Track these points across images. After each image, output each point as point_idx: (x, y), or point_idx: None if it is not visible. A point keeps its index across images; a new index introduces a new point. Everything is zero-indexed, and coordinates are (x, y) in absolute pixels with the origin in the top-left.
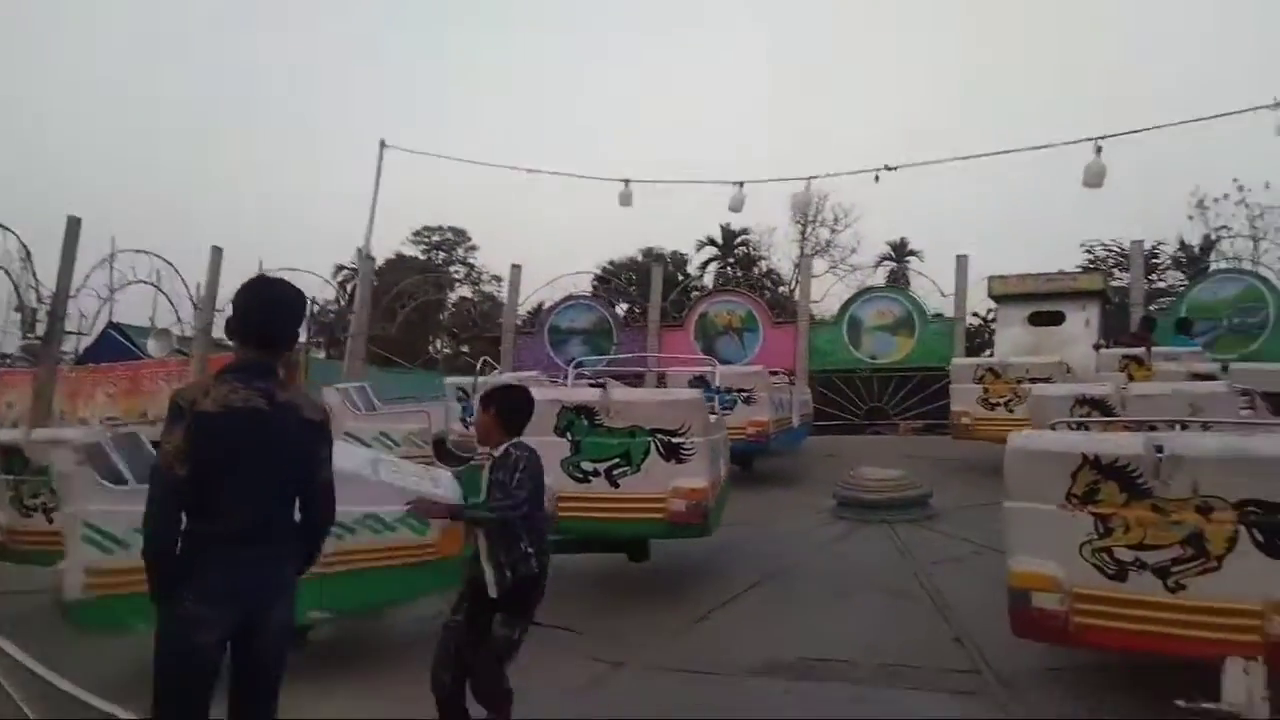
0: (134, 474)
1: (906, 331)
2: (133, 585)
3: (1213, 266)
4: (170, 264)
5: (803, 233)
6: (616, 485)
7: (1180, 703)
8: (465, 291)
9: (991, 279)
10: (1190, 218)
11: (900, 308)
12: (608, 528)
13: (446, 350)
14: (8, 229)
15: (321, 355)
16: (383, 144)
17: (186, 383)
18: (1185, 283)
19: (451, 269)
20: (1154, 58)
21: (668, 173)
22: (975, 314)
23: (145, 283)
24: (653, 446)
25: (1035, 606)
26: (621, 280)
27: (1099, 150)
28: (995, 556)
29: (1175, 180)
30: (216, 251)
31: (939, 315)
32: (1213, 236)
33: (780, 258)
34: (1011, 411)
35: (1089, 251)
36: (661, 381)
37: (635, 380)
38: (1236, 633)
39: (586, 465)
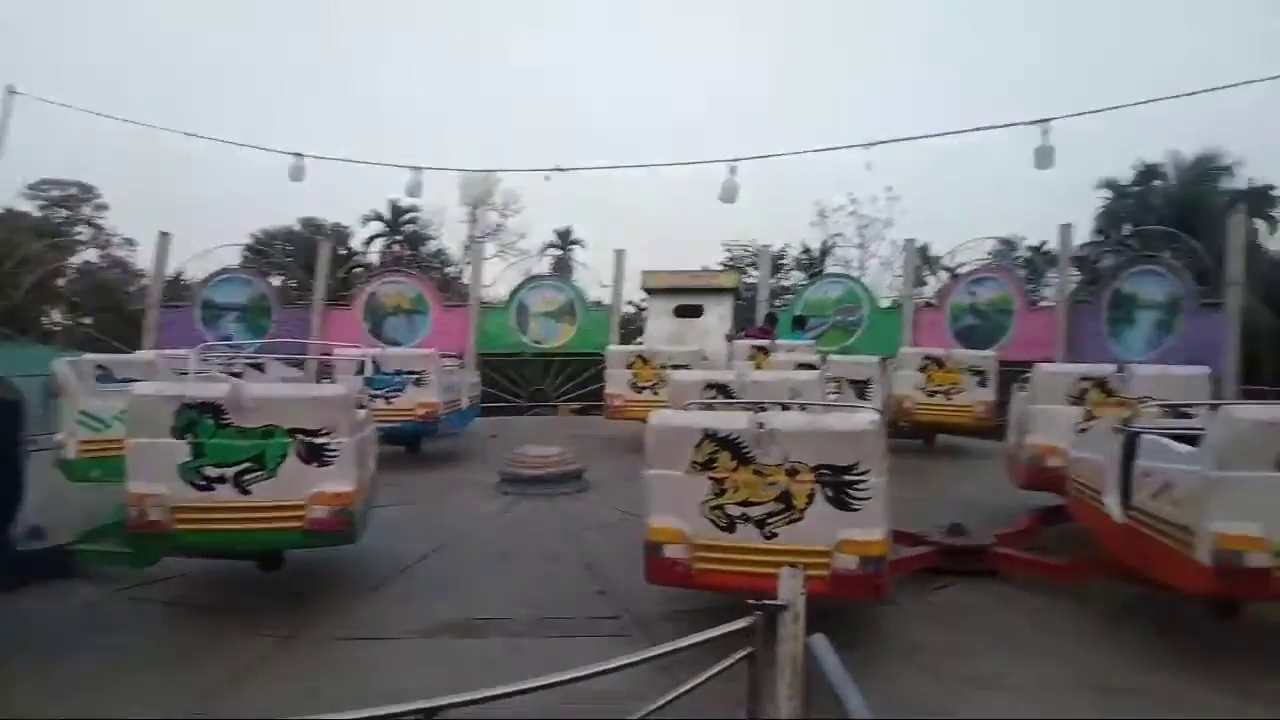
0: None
1: (569, 318)
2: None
3: (828, 270)
4: None
5: (473, 217)
6: (247, 492)
7: (751, 600)
8: (91, 256)
9: (644, 273)
10: (813, 225)
11: (564, 296)
12: (235, 538)
13: (66, 322)
14: None
15: None
16: (11, 90)
17: None
18: (805, 282)
19: (75, 230)
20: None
21: (342, 145)
22: (631, 303)
23: None
24: (291, 448)
25: (665, 556)
26: (278, 251)
27: (733, 171)
28: (638, 522)
29: (804, 191)
30: None
31: (598, 304)
32: (829, 243)
33: (450, 238)
34: (657, 394)
35: (729, 251)
36: (326, 368)
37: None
38: (813, 568)
39: (211, 471)
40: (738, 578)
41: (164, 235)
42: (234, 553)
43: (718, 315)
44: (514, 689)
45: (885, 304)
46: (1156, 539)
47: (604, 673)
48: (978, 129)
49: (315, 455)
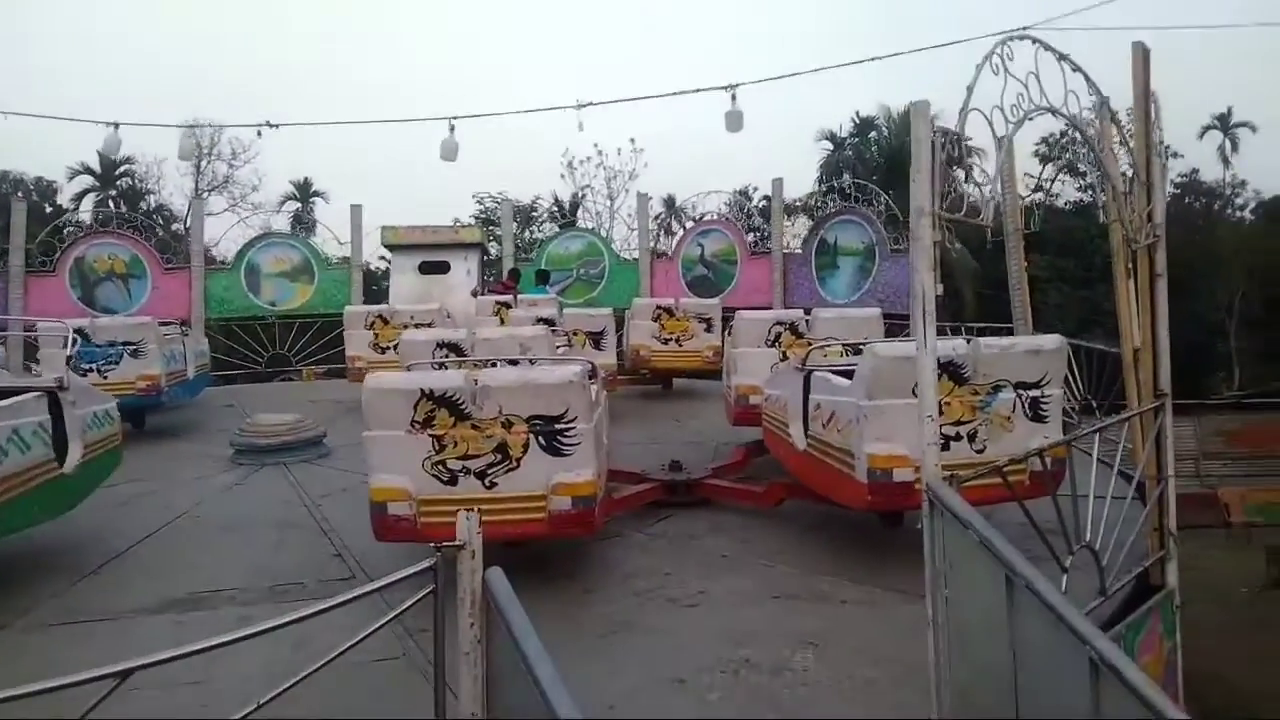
0: None
1: (306, 278)
2: None
3: (580, 222)
4: None
5: (197, 170)
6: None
7: (435, 545)
8: None
9: (384, 229)
10: (562, 177)
11: (299, 254)
12: None
13: None
14: None
15: None
16: None
17: None
18: (551, 236)
19: None
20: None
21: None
22: (382, 259)
23: None
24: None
25: (391, 514)
26: None
27: (452, 129)
28: None
29: (548, 146)
30: None
31: (339, 261)
32: (579, 194)
33: (172, 191)
34: (399, 354)
35: (480, 203)
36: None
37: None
38: (531, 512)
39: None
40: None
41: None
42: None
43: (464, 271)
44: (195, 649)
45: (627, 257)
46: (828, 463)
47: (280, 626)
48: (674, 94)
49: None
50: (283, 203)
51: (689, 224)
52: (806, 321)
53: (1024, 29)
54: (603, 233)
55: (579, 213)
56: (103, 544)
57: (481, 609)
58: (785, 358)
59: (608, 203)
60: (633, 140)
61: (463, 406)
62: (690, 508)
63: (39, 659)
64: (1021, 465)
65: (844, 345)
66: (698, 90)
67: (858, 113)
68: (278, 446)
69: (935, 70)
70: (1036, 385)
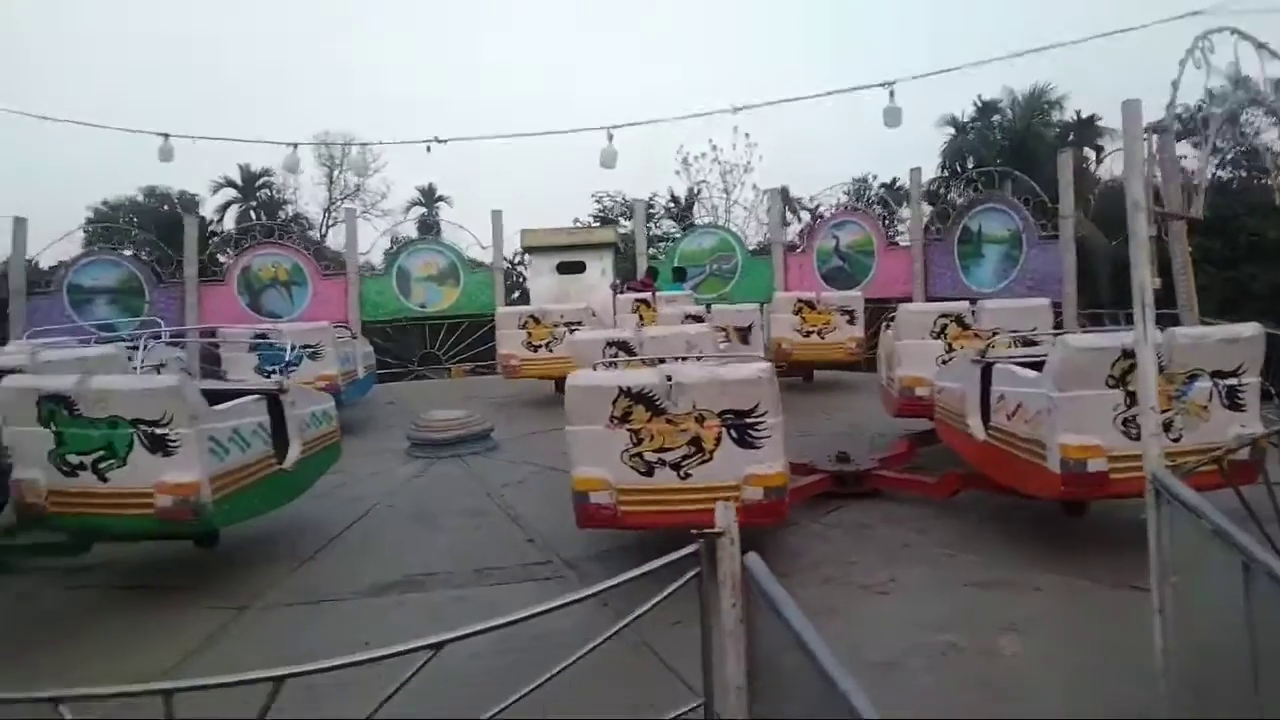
0: None
1: (452, 281)
2: None
3: (696, 217)
4: None
5: (330, 180)
6: (105, 479)
7: (694, 531)
8: None
9: (524, 232)
10: (678, 173)
11: (444, 259)
12: (100, 522)
13: None
14: None
15: None
16: None
17: None
18: (677, 230)
19: None
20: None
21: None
22: (506, 260)
23: None
24: (135, 438)
25: (593, 503)
26: (126, 223)
27: (610, 138)
28: (550, 475)
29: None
30: None
31: (478, 264)
32: (695, 190)
33: (308, 201)
34: (551, 352)
35: (599, 201)
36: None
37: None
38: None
39: (73, 458)
40: (661, 515)
41: (19, 221)
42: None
43: (599, 270)
44: (501, 622)
45: (751, 249)
46: (1014, 454)
47: (561, 606)
48: (830, 93)
49: (159, 445)
50: (409, 208)
51: (804, 215)
52: (972, 313)
53: (1194, 14)
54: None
55: (694, 208)
56: (313, 532)
57: (741, 593)
58: (950, 349)
59: (723, 197)
60: (747, 135)
61: (658, 402)
62: (860, 498)
63: (282, 636)
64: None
65: (1016, 336)
66: (854, 89)
67: (980, 96)
68: (451, 440)
69: (1057, 53)
70: (1233, 374)
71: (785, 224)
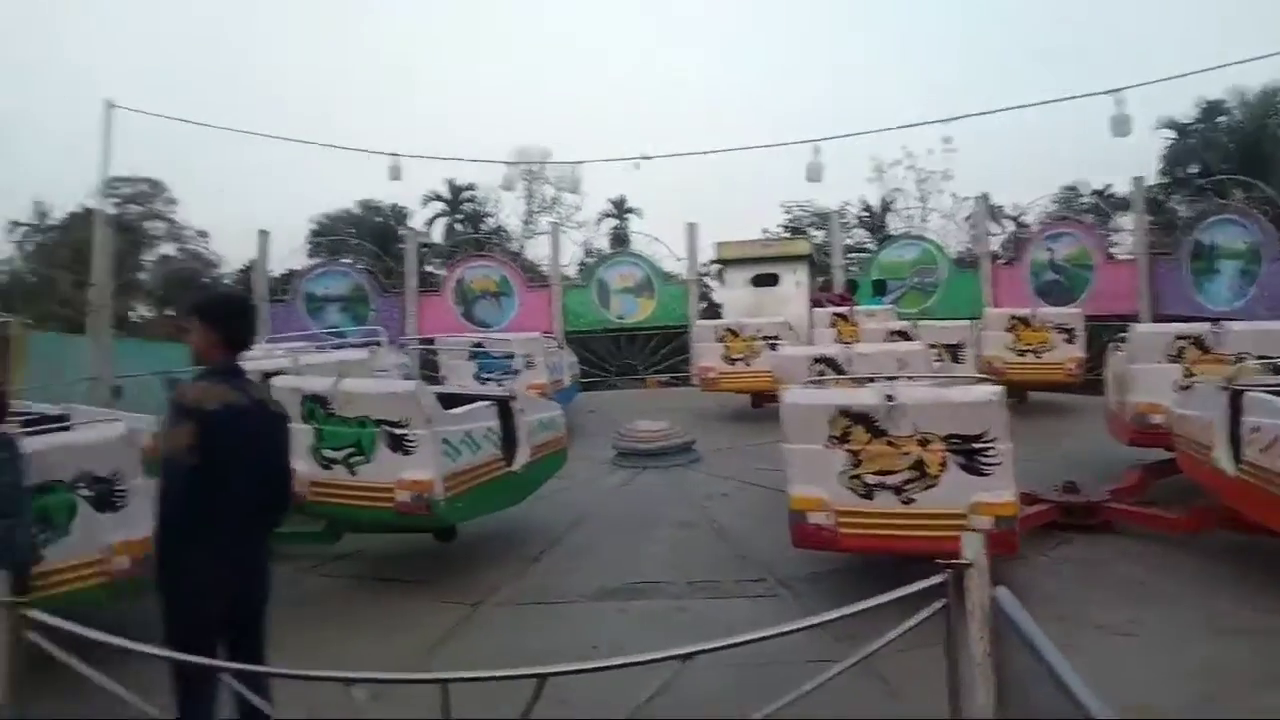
0: None
1: (648, 293)
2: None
3: (890, 227)
4: None
5: (529, 193)
6: (354, 474)
7: (940, 561)
8: (168, 250)
9: (718, 244)
10: (869, 180)
11: (640, 271)
12: (349, 513)
13: (148, 315)
14: None
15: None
16: (110, 105)
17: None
18: (870, 240)
19: (148, 225)
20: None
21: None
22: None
23: None
24: (379, 438)
25: (810, 523)
26: (345, 234)
27: (817, 151)
28: (753, 491)
29: (858, 148)
30: None
31: (671, 276)
32: (889, 199)
33: (508, 214)
34: (749, 365)
35: (788, 212)
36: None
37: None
38: (949, 530)
39: (328, 453)
40: (882, 540)
41: (263, 233)
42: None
43: (794, 283)
44: (749, 638)
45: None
46: (1274, 492)
47: (817, 625)
48: (1049, 101)
49: (398, 444)
50: (600, 220)
51: (1005, 224)
52: (1215, 334)
53: None
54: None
55: (887, 217)
56: (535, 534)
57: (989, 627)
58: (1190, 374)
59: (920, 205)
60: (946, 139)
61: (878, 423)
62: (1086, 531)
63: (515, 634)
64: None
65: (1270, 363)
66: (1080, 96)
67: (1203, 98)
68: (655, 451)
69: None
70: None
71: (989, 234)
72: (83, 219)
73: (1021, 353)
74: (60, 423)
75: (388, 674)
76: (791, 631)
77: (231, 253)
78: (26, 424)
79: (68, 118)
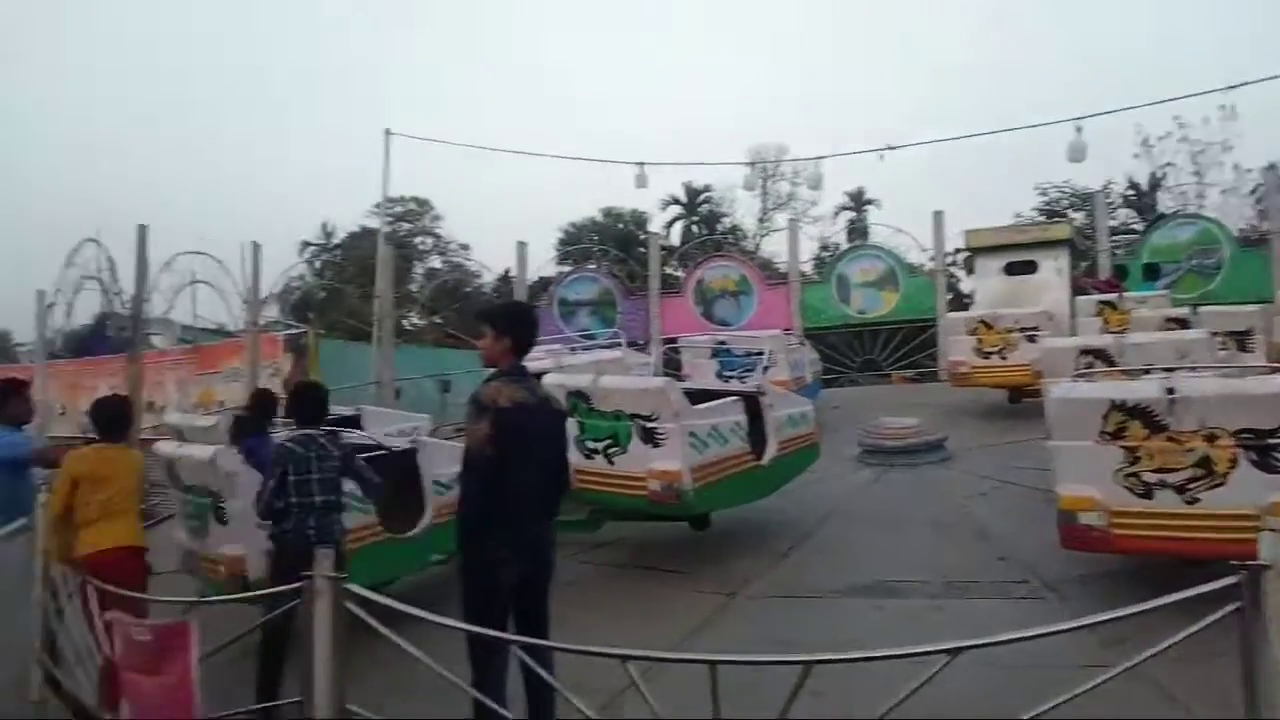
0: None
1: (891, 287)
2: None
3: (1160, 205)
4: (219, 261)
5: (764, 190)
6: (612, 463)
7: (1234, 562)
8: (434, 263)
9: (968, 232)
10: (1136, 156)
11: (882, 264)
12: (607, 500)
13: (419, 323)
14: (98, 241)
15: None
16: (388, 133)
17: (485, 387)
18: (1136, 220)
19: (417, 240)
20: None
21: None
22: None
23: (203, 282)
24: (633, 430)
25: (1081, 524)
26: (589, 242)
27: (1080, 130)
28: (1013, 490)
29: (1119, 122)
30: (256, 248)
31: (916, 268)
32: (1158, 175)
33: (743, 214)
34: (1005, 359)
35: (1043, 194)
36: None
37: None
38: (1240, 533)
39: (590, 444)
40: (1163, 542)
41: (521, 244)
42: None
43: (1054, 269)
44: (1017, 635)
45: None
46: None
47: (1092, 625)
48: None
49: (650, 437)
50: (837, 213)
51: None
52: None
53: None
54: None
55: (1157, 195)
56: (784, 528)
57: None
58: None
59: (1195, 180)
60: (1224, 107)
61: (1158, 418)
62: None
63: (769, 626)
64: None
65: None
66: None
67: None
68: (904, 449)
69: None
70: None
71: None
72: (362, 237)
73: None
74: (353, 422)
75: (659, 653)
76: (1062, 631)
77: (492, 262)
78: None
79: (347, 144)
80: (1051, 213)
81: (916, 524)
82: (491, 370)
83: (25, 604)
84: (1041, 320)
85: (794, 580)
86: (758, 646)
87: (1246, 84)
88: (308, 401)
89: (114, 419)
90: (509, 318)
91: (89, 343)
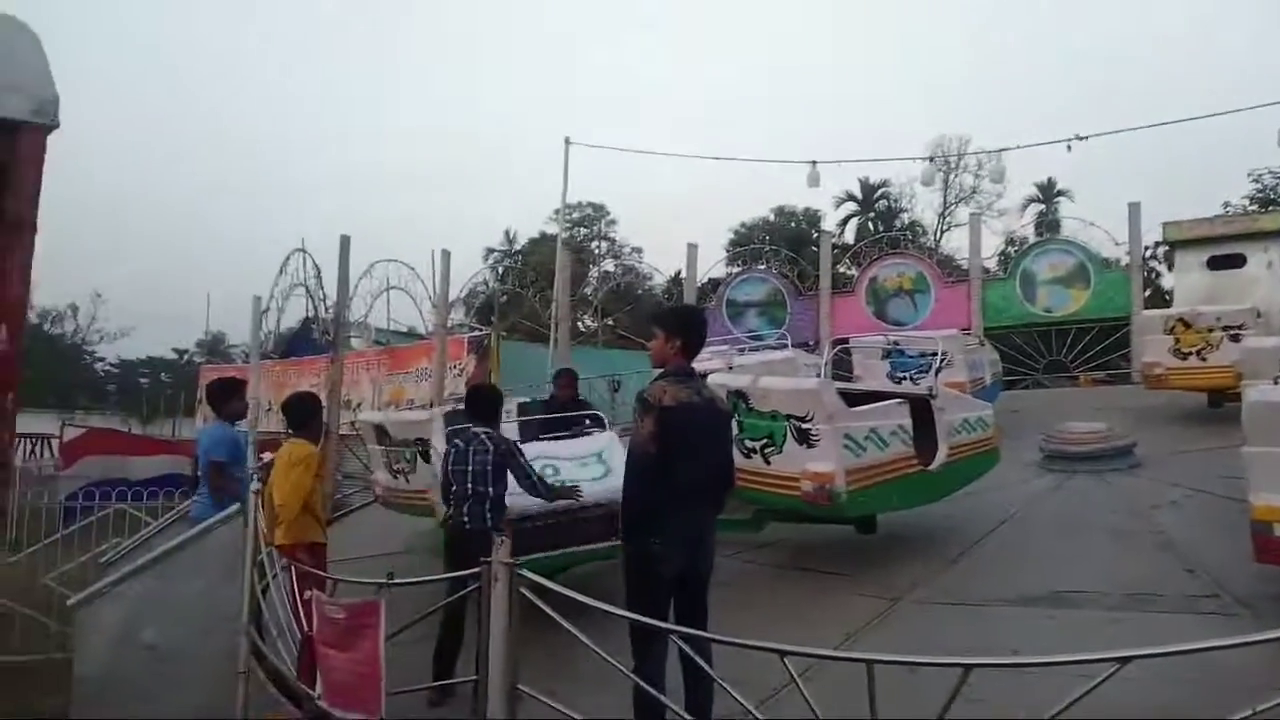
0: None
1: (1080, 283)
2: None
3: None
4: (411, 268)
5: (945, 184)
6: (768, 463)
7: None
8: (608, 266)
9: (1167, 225)
10: None
11: (1073, 259)
12: (763, 498)
13: (592, 324)
14: (305, 251)
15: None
16: (568, 141)
17: (652, 386)
18: None
19: (593, 244)
20: None
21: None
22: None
23: (397, 289)
24: (788, 430)
25: (1277, 536)
26: (760, 242)
27: None
28: (1207, 499)
29: None
30: (445, 255)
31: (1110, 263)
32: None
33: (923, 208)
34: (1205, 360)
35: (1256, 180)
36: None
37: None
38: None
39: (748, 443)
40: None
41: (692, 246)
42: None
43: (1265, 263)
44: (1190, 647)
45: None
46: None
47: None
48: None
49: (804, 438)
50: (1025, 206)
51: None
52: None
53: None
54: None
55: None
56: (955, 534)
57: None
58: None
59: None
60: None
61: None
62: None
63: (933, 632)
64: None
65: None
66: None
67: None
68: (1088, 454)
69: None
70: None
71: None
72: (541, 242)
73: None
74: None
75: (817, 650)
76: (1248, 644)
77: (664, 264)
78: None
79: (528, 153)
80: (1267, 201)
81: (1097, 533)
82: (659, 370)
83: (235, 582)
84: (1248, 318)
85: (962, 587)
86: (919, 652)
87: None
88: (481, 401)
89: (301, 413)
90: (680, 320)
91: (294, 344)
